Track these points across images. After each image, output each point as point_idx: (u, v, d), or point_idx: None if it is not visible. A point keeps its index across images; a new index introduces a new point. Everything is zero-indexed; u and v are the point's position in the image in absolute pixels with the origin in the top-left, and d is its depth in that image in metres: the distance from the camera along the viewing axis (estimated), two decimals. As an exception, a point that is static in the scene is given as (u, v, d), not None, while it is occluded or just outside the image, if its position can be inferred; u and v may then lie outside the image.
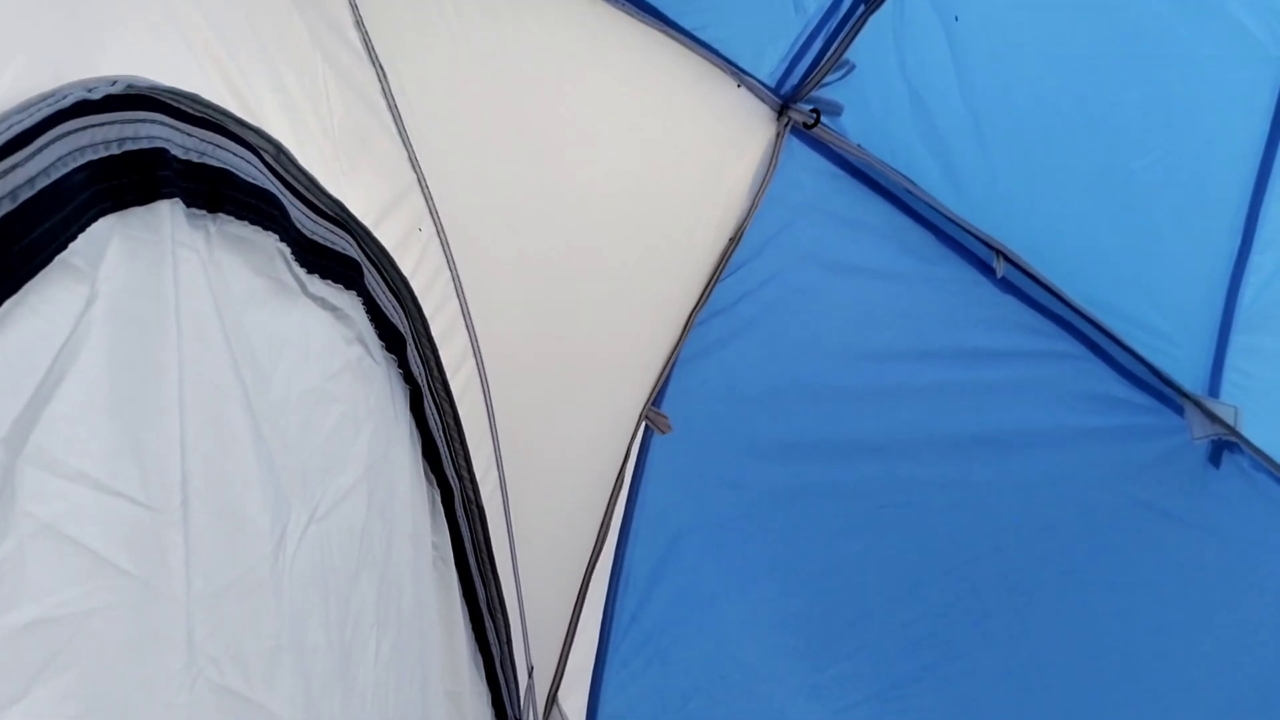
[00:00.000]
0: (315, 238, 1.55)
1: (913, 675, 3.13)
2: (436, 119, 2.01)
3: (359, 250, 1.67)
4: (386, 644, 1.66)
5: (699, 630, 3.11)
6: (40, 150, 1.03)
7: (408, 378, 1.87)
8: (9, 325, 0.99)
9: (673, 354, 2.86)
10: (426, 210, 2.03)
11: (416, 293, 1.92)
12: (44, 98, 1.06)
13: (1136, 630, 2.97)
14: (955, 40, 2.46)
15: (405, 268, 1.90)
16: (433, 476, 1.99)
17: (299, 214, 1.51)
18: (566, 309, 2.53)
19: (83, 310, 1.10)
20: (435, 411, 1.97)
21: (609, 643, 3.05)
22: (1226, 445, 2.79)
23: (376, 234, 1.79)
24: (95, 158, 1.13)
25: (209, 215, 1.32)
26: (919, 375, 2.93)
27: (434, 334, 1.99)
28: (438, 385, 1.98)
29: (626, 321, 2.73)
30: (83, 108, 1.11)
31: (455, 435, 2.05)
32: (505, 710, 2.40)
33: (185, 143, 1.28)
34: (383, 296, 1.75)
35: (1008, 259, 2.75)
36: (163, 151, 1.23)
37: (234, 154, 1.37)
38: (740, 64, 2.53)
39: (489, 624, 2.22)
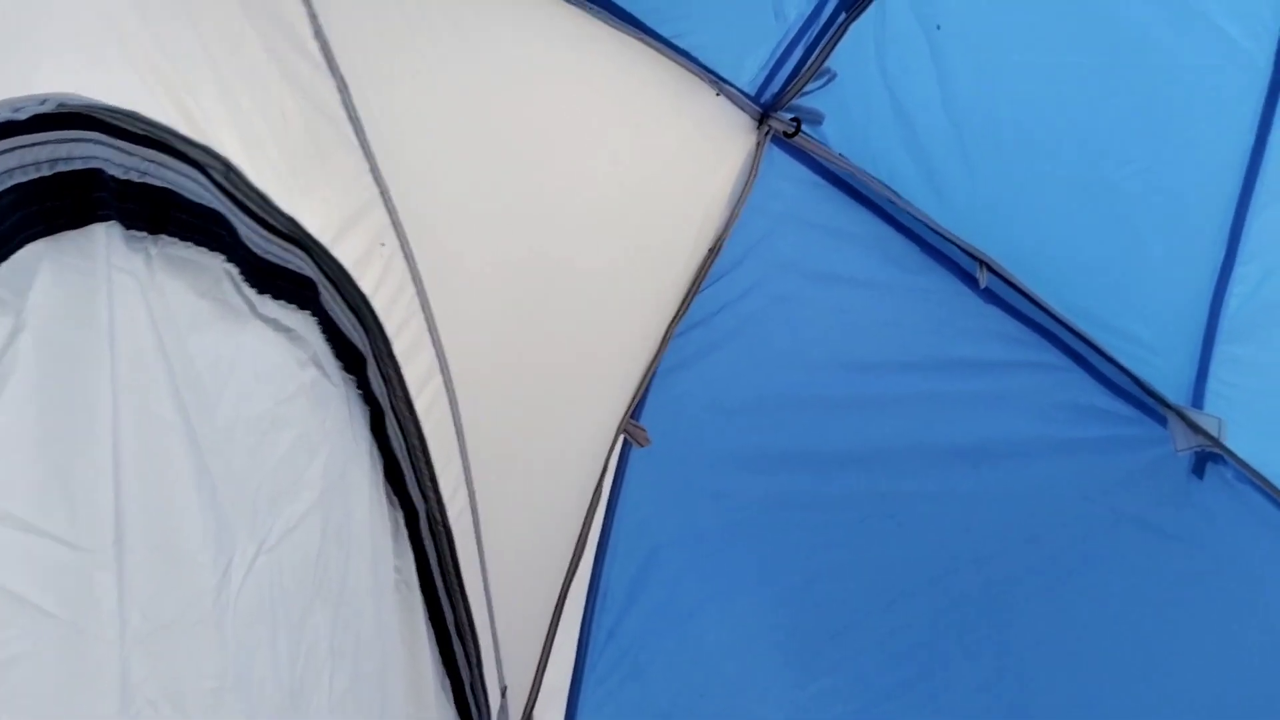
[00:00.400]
0: (267, 257, 1.50)
1: (895, 690, 3.11)
2: (402, 131, 1.95)
3: (314, 268, 1.62)
4: (343, 675, 1.61)
5: (678, 645, 3.08)
6: (-41, 175, 0.98)
7: (368, 398, 1.82)
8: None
9: (651, 366, 2.82)
10: (390, 224, 1.98)
11: (379, 310, 1.87)
12: (-36, 119, 1.01)
13: (1120, 642, 2.96)
14: (937, 49, 2.43)
15: (367, 284, 1.85)
16: (395, 498, 1.94)
17: (249, 232, 1.46)
18: (540, 322, 2.48)
19: (7, 341, 1.05)
20: (398, 431, 1.93)
21: (586, 659, 3.02)
22: (1210, 457, 2.78)
23: (336, 250, 1.74)
24: (23, 180, 1.08)
25: (150, 237, 1.27)
26: (902, 386, 2.91)
27: (398, 351, 1.94)
28: (401, 404, 1.94)
29: (603, 333, 2.68)
30: (8, 129, 1.05)
31: (420, 454, 2.01)
32: (476, 732, 2.36)
33: (125, 161, 1.23)
34: (341, 315, 1.70)
35: (991, 269, 2.73)
36: (98, 172, 1.18)
37: (178, 172, 1.32)
38: (719, 72, 2.49)
39: (457, 646, 2.18)
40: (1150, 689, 2.95)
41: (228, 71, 1.51)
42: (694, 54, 2.42)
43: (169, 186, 1.28)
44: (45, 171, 1.11)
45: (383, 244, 1.96)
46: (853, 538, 3.04)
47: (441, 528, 2.10)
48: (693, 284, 2.73)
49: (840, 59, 2.47)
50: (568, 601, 2.94)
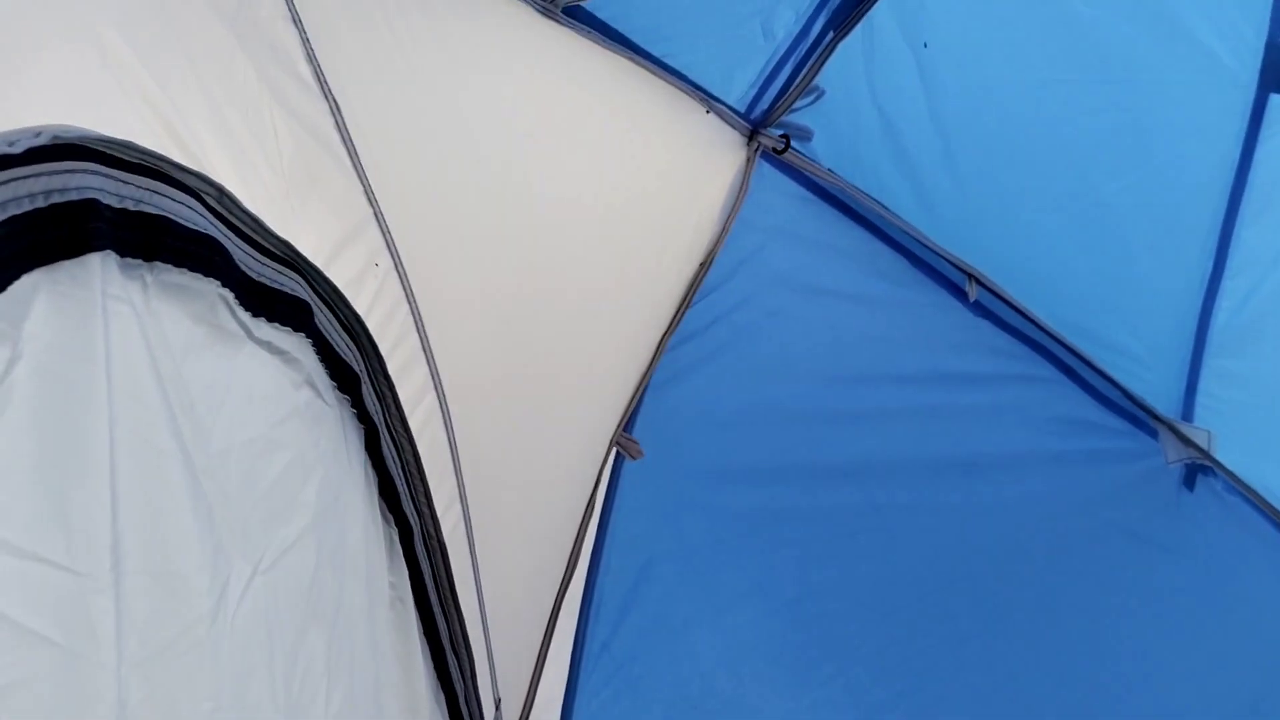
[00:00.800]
0: (261, 280, 1.52)
1: (889, 702, 3.11)
2: (393, 151, 1.97)
3: (309, 290, 1.63)
4: (339, 694, 1.62)
5: (671, 659, 3.08)
6: (-45, 209, 1.00)
7: (363, 417, 1.83)
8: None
9: (644, 379, 2.83)
10: (384, 243, 1.99)
11: (373, 328, 1.88)
12: (-40, 153, 1.03)
13: (1112, 653, 2.96)
14: (925, 66, 2.45)
15: (361, 304, 1.87)
16: (390, 515, 1.96)
17: (244, 256, 1.47)
18: (533, 336, 2.50)
19: (4, 371, 1.07)
20: (393, 449, 1.94)
21: (579, 673, 3.02)
22: (1200, 469, 2.79)
23: (330, 271, 1.76)
24: (18, 212, 1.09)
25: (145, 264, 1.28)
26: (892, 399, 2.92)
27: (392, 369, 1.95)
28: (395, 422, 1.95)
29: (596, 347, 2.70)
30: (3, 162, 1.07)
31: (415, 471, 2.02)
32: (471, 745, 2.37)
33: (120, 191, 1.24)
34: (335, 336, 1.72)
35: (980, 283, 2.74)
36: (94, 202, 1.19)
37: (173, 199, 1.33)
38: (709, 90, 2.51)
39: (452, 661, 2.19)
40: (1142, 698, 2.95)
41: (220, 97, 1.53)
42: (684, 73, 2.44)
43: (164, 214, 1.30)
44: (41, 203, 1.12)
45: (376, 263, 1.97)
46: (846, 551, 3.05)
47: (436, 543, 2.12)
48: (684, 298, 2.75)
49: (829, 76, 2.49)
50: (561, 614, 2.95)
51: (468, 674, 2.31)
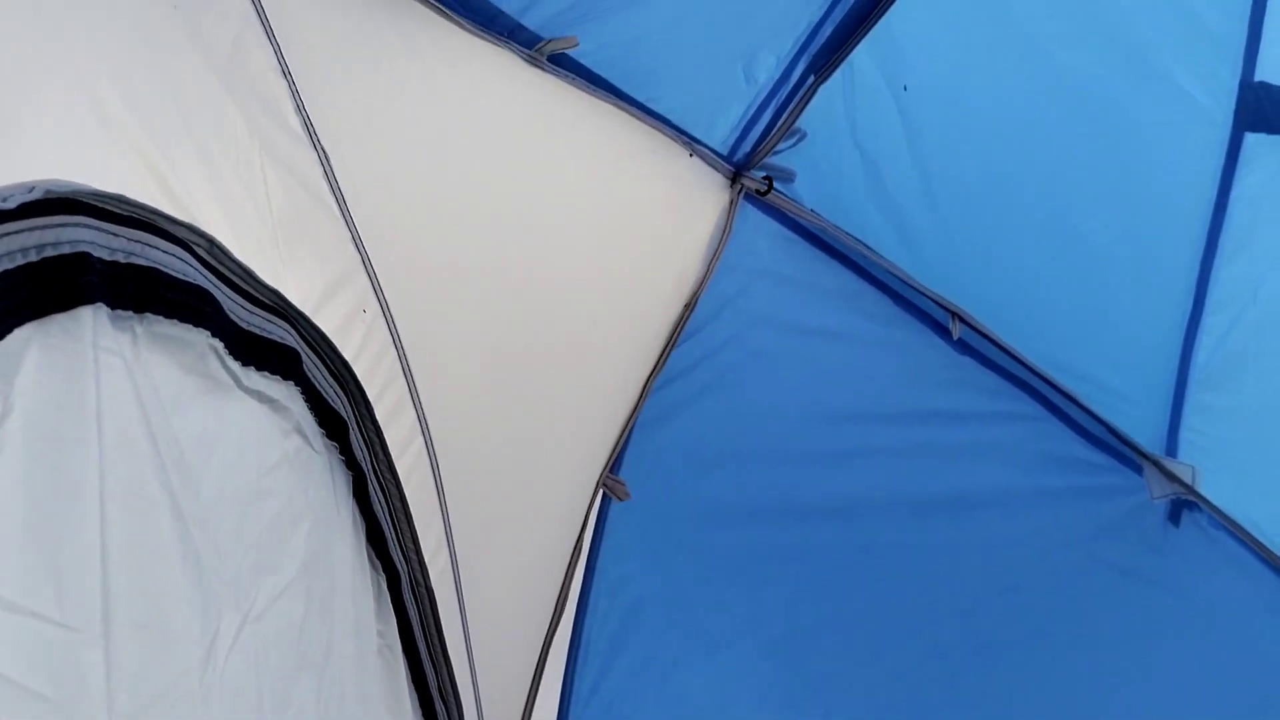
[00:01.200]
0: (251, 329, 1.52)
1: (881, 741, 3.10)
2: (381, 198, 1.99)
3: (298, 338, 1.64)
4: (328, 744, 1.62)
5: (661, 701, 3.07)
6: (-52, 265, 1.00)
7: (350, 463, 1.84)
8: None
9: (630, 420, 2.84)
10: (372, 289, 2.00)
11: (361, 374, 1.89)
12: (-48, 209, 1.03)
13: (1102, 688, 2.97)
14: (905, 108, 2.49)
15: (349, 350, 1.87)
16: (378, 561, 1.95)
17: (234, 305, 1.48)
18: (520, 380, 2.51)
19: (-5, 427, 1.07)
20: (380, 495, 1.94)
21: (568, 715, 3.00)
22: (1186, 504, 2.80)
23: (319, 318, 1.76)
24: (10, 267, 1.10)
25: (136, 316, 1.29)
26: (878, 438, 2.93)
27: (380, 415, 1.96)
28: (383, 468, 1.95)
29: (582, 390, 2.70)
30: (-3, 218, 1.08)
31: (402, 517, 2.02)
32: (459, 793, 2.35)
33: (111, 244, 1.25)
34: (324, 383, 1.72)
35: (964, 320, 2.76)
36: (85, 255, 1.19)
37: (164, 251, 1.34)
38: (692, 133, 2.54)
39: (440, 709, 2.17)
40: (1132, 733, 2.96)
41: (211, 147, 1.54)
42: (667, 116, 2.47)
43: (155, 266, 1.30)
44: (33, 257, 1.13)
45: (364, 309, 1.98)
46: (835, 590, 3.05)
47: (424, 590, 2.11)
48: (669, 339, 2.76)
49: (810, 119, 2.52)
50: (549, 658, 2.93)
51: (457, 720, 2.30)
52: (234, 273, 1.49)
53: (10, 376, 1.09)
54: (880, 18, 2.28)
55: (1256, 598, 2.72)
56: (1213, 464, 2.74)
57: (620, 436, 2.85)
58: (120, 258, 1.26)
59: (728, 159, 2.61)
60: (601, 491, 2.90)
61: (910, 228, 2.68)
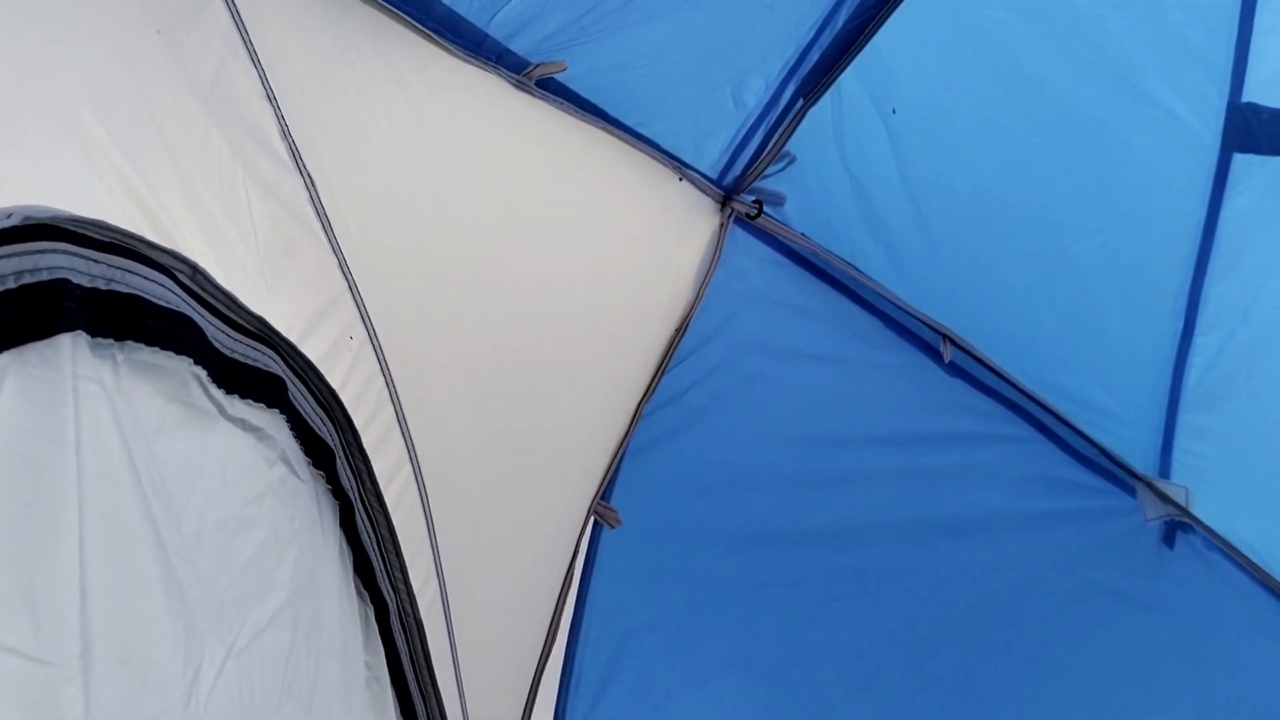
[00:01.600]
0: (235, 356, 1.50)
1: (876, 769, 3.07)
2: (368, 223, 1.97)
3: (283, 365, 1.62)
4: (315, 778, 1.59)
5: (654, 730, 3.04)
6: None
7: (337, 493, 1.81)
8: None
9: (621, 446, 2.82)
10: (359, 316, 1.98)
11: (348, 402, 1.87)
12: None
13: (1097, 712, 2.95)
14: (894, 131, 2.48)
15: (336, 377, 1.85)
16: (365, 592, 1.92)
17: (217, 333, 1.46)
18: (509, 406, 2.49)
19: (-29, 457, 1.05)
20: (368, 524, 1.91)
21: (560, 747, 2.97)
22: (1179, 525, 2.79)
23: (305, 345, 1.74)
24: (-13, 294, 1.08)
25: (117, 343, 1.27)
26: (870, 461, 2.92)
27: (367, 443, 1.93)
28: (370, 497, 1.92)
29: (572, 416, 2.69)
30: (-27, 244, 1.06)
31: (390, 547, 1.99)
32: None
33: (91, 270, 1.23)
34: (310, 411, 1.70)
35: (955, 343, 2.75)
36: (64, 282, 1.18)
37: (145, 278, 1.32)
38: (682, 157, 2.53)
39: (430, 741, 2.14)
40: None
41: (194, 173, 1.53)
42: (657, 141, 2.46)
43: (136, 292, 1.29)
44: (10, 284, 1.11)
45: (351, 336, 1.96)
46: (829, 616, 3.03)
47: (412, 620, 2.08)
48: (660, 363, 2.75)
49: (799, 142, 2.52)
50: (541, 688, 2.90)
51: (447, 753, 2.26)
52: (217, 299, 1.48)
53: (-14, 405, 1.07)
54: (868, 42, 2.28)
55: (1251, 619, 2.71)
56: (1206, 485, 2.74)
57: (611, 463, 2.83)
58: (100, 284, 1.24)
59: (717, 183, 2.61)
60: (593, 519, 2.88)
61: (900, 250, 2.67)
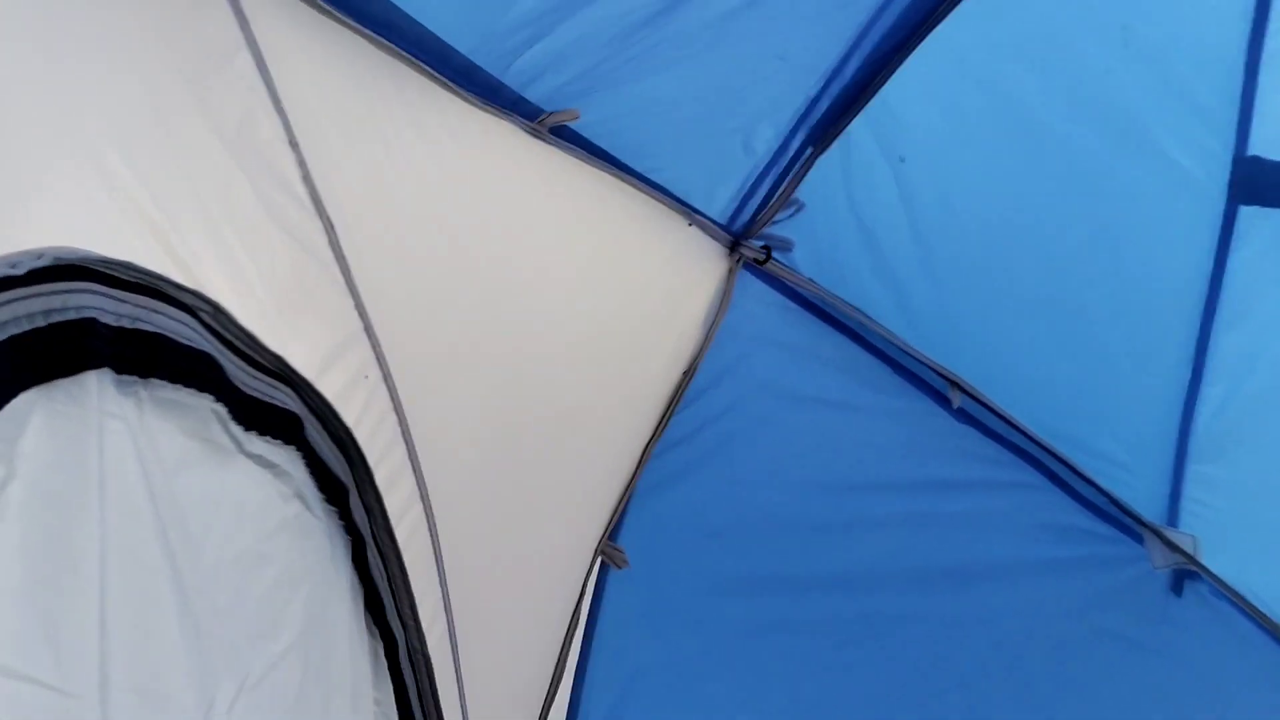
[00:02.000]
0: (254, 394, 1.53)
1: (884, 819, 3.05)
2: (384, 266, 2.01)
3: (300, 403, 1.65)
4: (323, 813, 1.60)
5: (659, 775, 3.03)
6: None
7: (350, 528, 1.84)
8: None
9: (629, 487, 2.84)
10: (374, 356, 2.02)
11: (362, 440, 1.89)
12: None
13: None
14: (902, 179, 2.51)
15: (350, 415, 1.88)
16: (375, 628, 1.94)
17: (237, 371, 1.49)
18: (519, 446, 2.51)
19: (-1, 490, 1.08)
20: (379, 560, 1.94)
21: (565, 790, 2.96)
22: (1187, 574, 2.78)
23: (321, 383, 1.77)
24: (17, 332, 1.11)
25: (141, 381, 1.30)
26: (881, 507, 2.92)
27: (379, 480, 1.96)
28: (382, 533, 1.95)
29: (581, 456, 2.71)
30: (5, 284, 1.09)
31: (400, 583, 2.01)
32: None
33: (118, 309, 1.27)
34: (325, 448, 1.73)
35: (963, 390, 2.77)
36: (92, 321, 1.21)
37: (169, 317, 1.35)
38: (692, 203, 2.56)
39: (437, 779, 2.15)
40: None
41: (217, 215, 1.57)
42: (667, 187, 2.49)
43: (160, 331, 1.32)
44: (40, 323, 1.14)
45: (366, 375, 1.99)
46: (836, 661, 3.02)
47: (420, 657, 2.10)
48: (669, 405, 2.77)
49: (808, 189, 2.55)
50: (547, 729, 2.90)
51: (453, 792, 2.27)
52: (238, 338, 1.51)
53: (14, 440, 1.10)
54: (877, 92, 2.32)
55: (1259, 668, 2.70)
56: (1214, 534, 2.73)
57: (619, 503, 2.85)
58: (126, 323, 1.27)
59: (727, 228, 2.64)
60: (600, 559, 2.89)
61: (908, 297, 2.69)
